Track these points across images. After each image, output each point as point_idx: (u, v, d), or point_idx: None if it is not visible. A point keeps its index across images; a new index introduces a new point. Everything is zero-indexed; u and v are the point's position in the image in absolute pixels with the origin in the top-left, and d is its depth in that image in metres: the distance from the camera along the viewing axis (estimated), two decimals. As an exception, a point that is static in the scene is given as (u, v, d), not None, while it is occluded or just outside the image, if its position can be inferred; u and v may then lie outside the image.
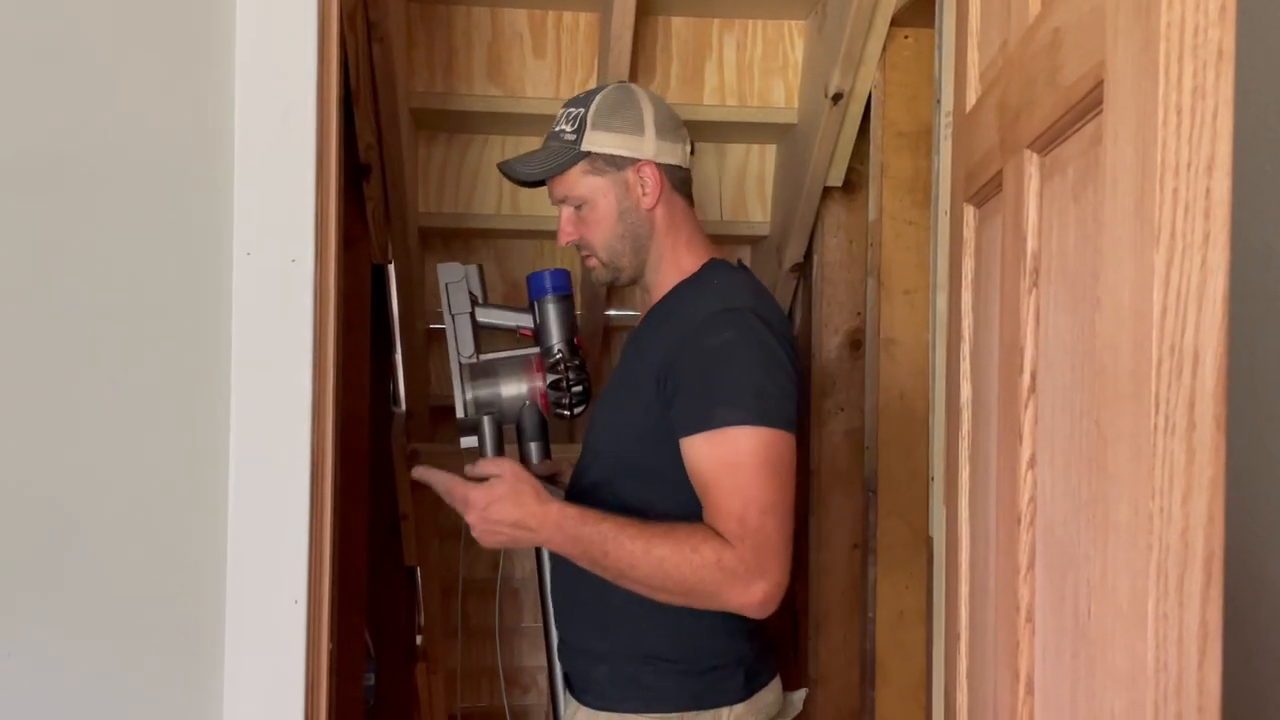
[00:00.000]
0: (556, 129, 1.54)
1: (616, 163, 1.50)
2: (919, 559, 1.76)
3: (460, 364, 1.71)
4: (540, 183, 1.55)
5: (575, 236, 1.54)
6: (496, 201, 2.12)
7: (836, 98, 1.82)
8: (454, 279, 1.72)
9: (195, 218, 1.10)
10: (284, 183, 1.11)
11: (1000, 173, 0.94)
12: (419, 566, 2.90)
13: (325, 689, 1.17)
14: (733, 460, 1.33)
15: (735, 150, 2.14)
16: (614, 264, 1.53)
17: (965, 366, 1.13)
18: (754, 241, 2.25)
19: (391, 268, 2.13)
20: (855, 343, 2.11)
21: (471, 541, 1.89)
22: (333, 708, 1.21)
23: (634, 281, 1.56)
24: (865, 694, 1.90)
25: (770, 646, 1.62)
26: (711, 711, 1.48)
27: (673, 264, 1.53)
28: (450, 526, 2.80)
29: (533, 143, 2.13)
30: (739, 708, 1.50)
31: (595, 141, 1.50)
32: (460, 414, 1.68)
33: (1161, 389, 0.52)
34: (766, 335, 1.40)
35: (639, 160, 1.50)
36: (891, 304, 1.78)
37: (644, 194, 1.51)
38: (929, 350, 1.78)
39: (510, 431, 1.74)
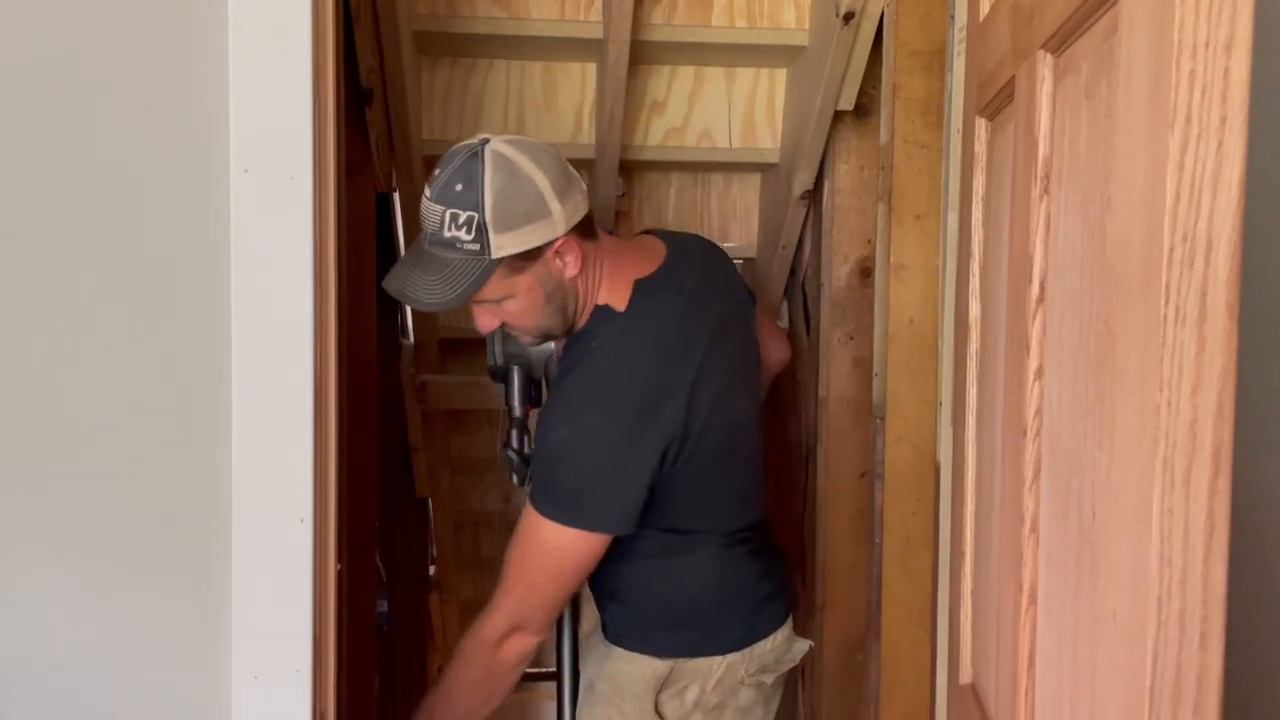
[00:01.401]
0: (448, 235, 1.34)
1: (532, 255, 1.37)
2: (926, 485, 1.76)
3: None
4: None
5: (497, 325, 1.46)
6: (501, 128, 2.09)
7: (848, 17, 1.77)
8: None
9: (190, 135, 1.08)
10: (280, 99, 1.08)
11: (1013, 79, 0.91)
12: (430, 498, 2.92)
13: (334, 608, 1.17)
14: (532, 537, 1.43)
15: (744, 75, 2.10)
16: (546, 334, 1.50)
17: (974, 284, 1.12)
18: (764, 169, 2.22)
19: (396, 196, 2.11)
20: (865, 271, 2.09)
21: (486, 472, 1.90)
22: (343, 628, 1.22)
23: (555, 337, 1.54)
24: (872, 617, 1.91)
25: (778, 594, 1.66)
26: (704, 660, 1.56)
27: (588, 308, 1.49)
28: (461, 459, 2.81)
29: (537, 70, 2.10)
30: (732, 657, 1.56)
31: (504, 245, 1.34)
32: (491, 363, 1.70)
33: (1173, 279, 0.51)
34: (602, 433, 1.40)
35: (554, 239, 1.37)
36: (903, 229, 1.76)
37: (565, 266, 1.41)
38: (939, 275, 1.76)
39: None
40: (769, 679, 1.61)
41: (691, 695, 1.56)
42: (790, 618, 1.67)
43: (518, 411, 1.66)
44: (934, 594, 1.66)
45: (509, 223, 1.34)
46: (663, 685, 1.56)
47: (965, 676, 1.14)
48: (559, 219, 1.37)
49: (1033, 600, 0.82)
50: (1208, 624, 0.51)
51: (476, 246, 1.34)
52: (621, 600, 1.59)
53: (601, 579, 1.58)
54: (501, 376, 1.68)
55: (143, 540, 1.09)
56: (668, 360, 1.46)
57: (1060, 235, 0.77)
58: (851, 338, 2.10)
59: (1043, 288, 0.80)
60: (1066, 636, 0.73)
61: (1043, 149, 0.80)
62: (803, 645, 1.67)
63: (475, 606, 3.75)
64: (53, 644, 1.08)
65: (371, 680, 2.10)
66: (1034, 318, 0.81)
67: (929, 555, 1.76)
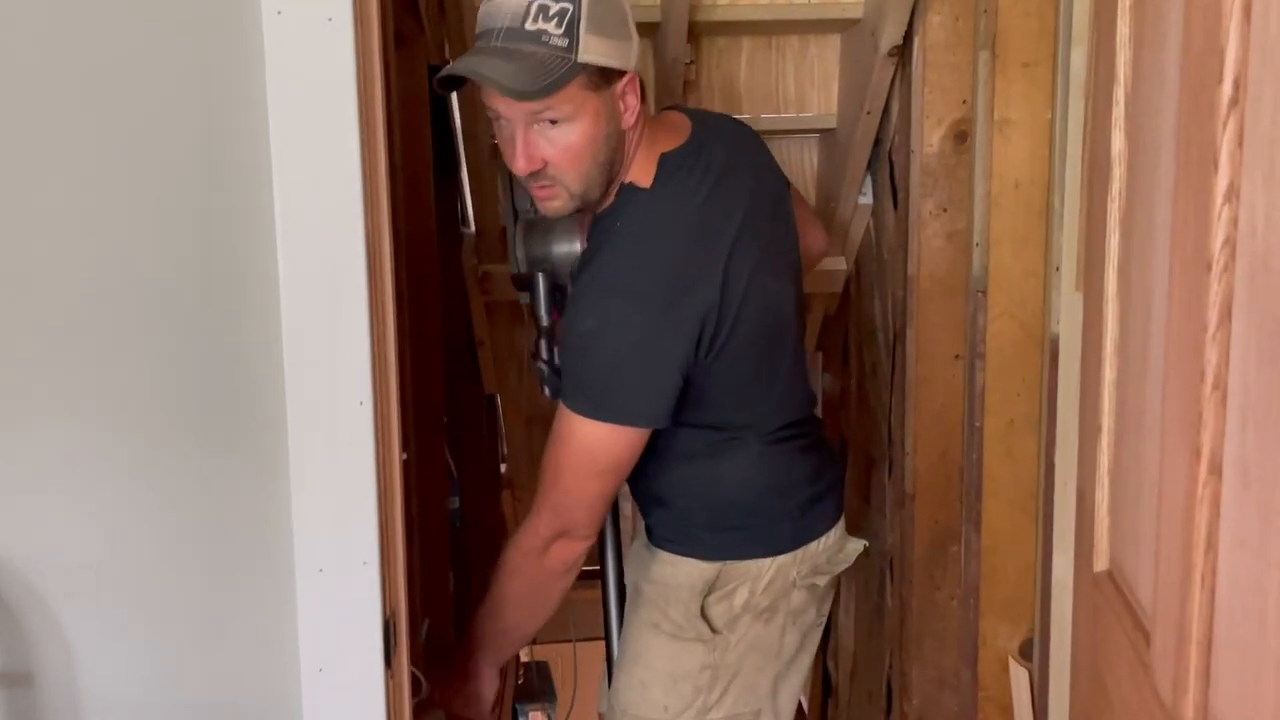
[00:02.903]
0: (531, 28, 1.23)
1: (607, 77, 1.27)
2: (1032, 364, 1.62)
3: (516, 218, 1.63)
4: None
5: (541, 164, 1.29)
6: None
7: None
8: None
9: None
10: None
11: None
12: (499, 394, 2.85)
13: (400, 499, 1.09)
14: (566, 436, 1.35)
15: (822, -79, 1.90)
16: (584, 196, 1.34)
17: (1118, 113, 0.96)
18: (845, 26, 2.03)
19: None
20: (960, 134, 1.91)
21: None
22: (412, 521, 1.14)
23: (585, 210, 1.41)
24: (970, 506, 1.79)
25: (828, 493, 1.57)
26: (753, 562, 1.48)
27: (616, 184, 1.38)
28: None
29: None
30: (781, 559, 1.49)
31: (591, 50, 1.23)
32: (514, 269, 1.63)
33: None
34: (639, 321, 1.31)
35: (625, 73, 1.28)
36: (1008, 79, 1.58)
37: (626, 111, 1.31)
38: (1050, 130, 1.59)
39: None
40: (822, 581, 1.53)
41: (740, 598, 1.49)
42: (842, 518, 1.58)
43: (544, 320, 1.56)
44: (1044, 479, 1.54)
45: (602, 26, 1.24)
46: (710, 588, 1.49)
47: (1101, 563, 1.01)
48: (633, 52, 1.28)
49: (1214, 470, 0.69)
50: None
51: (565, 43, 1.23)
52: (665, 503, 1.53)
53: (643, 482, 1.51)
54: (526, 284, 1.60)
55: (189, 426, 1.00)
56: (697, 241, 1.35)
57: (1271, 15, 0.61)
58: (944, 209, 1.94)
59: (1238, 86, 0.65)
60: (1273, 511, 0.60)
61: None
62: (856, 545, 1.59)
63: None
64: (106, 541, 1.01)
65: (447, 578, 2.05)
66: (1224, 125, 0.66)
67: (1035, 439, 1.63)
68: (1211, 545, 0.70)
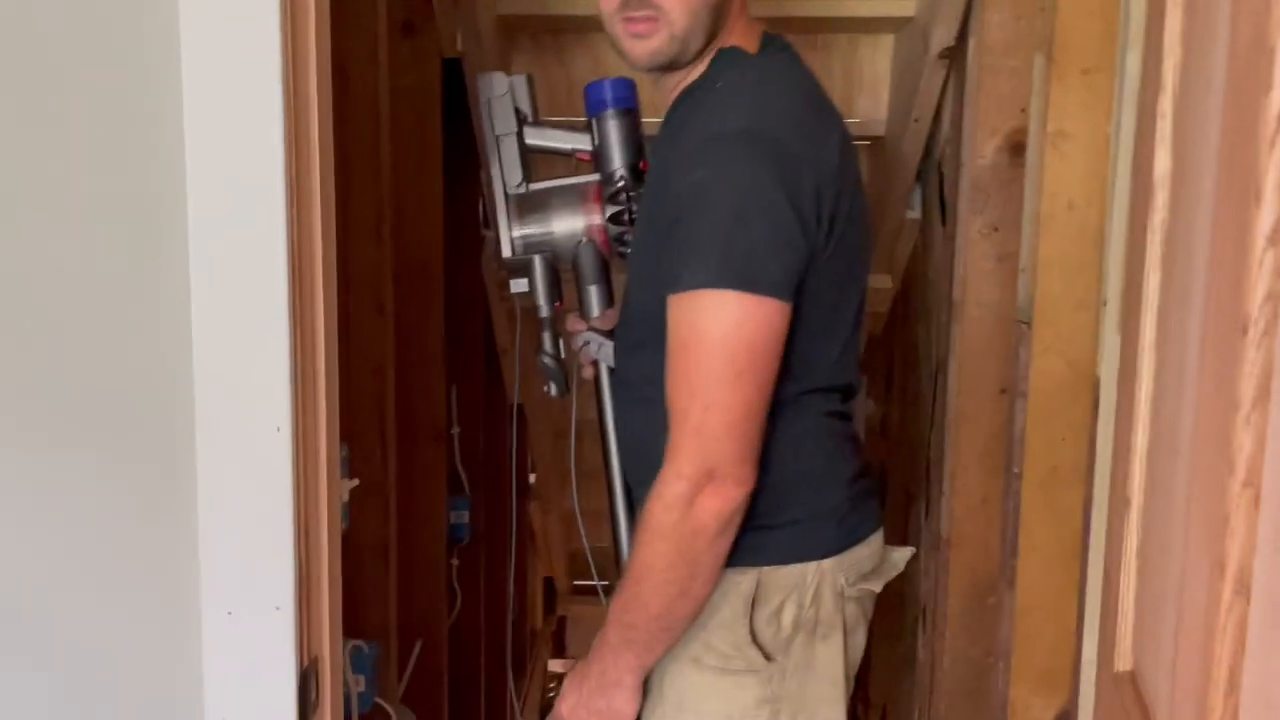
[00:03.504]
0: None
1: None
2: (1081, 407, 1.44)
3: (506, 195, 1.45)
4: None
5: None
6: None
7: None
8: (497, 93, 1.43)
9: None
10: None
11: None
12: (525, 405, 2.74)
13: (327, 533, 0.97)
14: (687, 335, 1.11)
15: (875, -88, 1.75)
16: (684, 42, 1.18)
17: (1164, 128, 0.80)
18: (898, 26, 1.87)
19: (465, 65, 1.87)
20: (1016, 147, 1.73)
21: (581, 384, 1.66)
22: (337, 547, 1.02)
23: (676, 69, 1.22)
24: (1005, 561, 1.62)
25: (872, 493, 1.36)
26: (796, 567, 1.25)
27: (712, 48, 1.22)
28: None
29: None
30: (827, 564, 1.26)
31: None
32: (507, 253, 1.44)
33: None
34: (755, 169, 1.11)
35: None
36: (1065, 87, 1.41)
37: None
38: (1109, 145, 1.41)
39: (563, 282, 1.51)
40: (877, 586, 1.32)
41: (789, 614, 1.25)
42: (882, 527, 1.38)
43: (545, 310, 1.41)
44: (1085, 539, 1.37)
45: None
46: (751, 604, 1.25)
47: (1123, 663, 0.85)
48: None
49: (1241, 591, 0.54)
50: None
51: None
52: None
53: (656, 464, 1.22)
54: (521, 269, 1.42)
55: (90, 441, 0.90)
56: (813, 112, 1.19)
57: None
58: (995, 229, 1.76)
59: (1291, 97, 0.50)
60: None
61: None
62: (904, 553, 1.38)
63: (578, 516, 3.56)
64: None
65: (441, 597, 1.94)
66: (1272, 145, 0.51)
67: (1080, 491, 1.45)
68: (1234, 686, 0.54)
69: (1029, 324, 1.49)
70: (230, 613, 0.92)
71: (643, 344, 1.24)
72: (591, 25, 1.98)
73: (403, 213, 1.62)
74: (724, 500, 1.13)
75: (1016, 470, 1.54)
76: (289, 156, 0.87)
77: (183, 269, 0.88)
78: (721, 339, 1.10)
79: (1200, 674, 0.58)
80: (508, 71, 1.93)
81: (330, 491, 0.98)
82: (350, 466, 1.38)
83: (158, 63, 0.86)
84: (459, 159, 1.93)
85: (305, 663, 0.95)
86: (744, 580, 1.23)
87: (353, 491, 1.43)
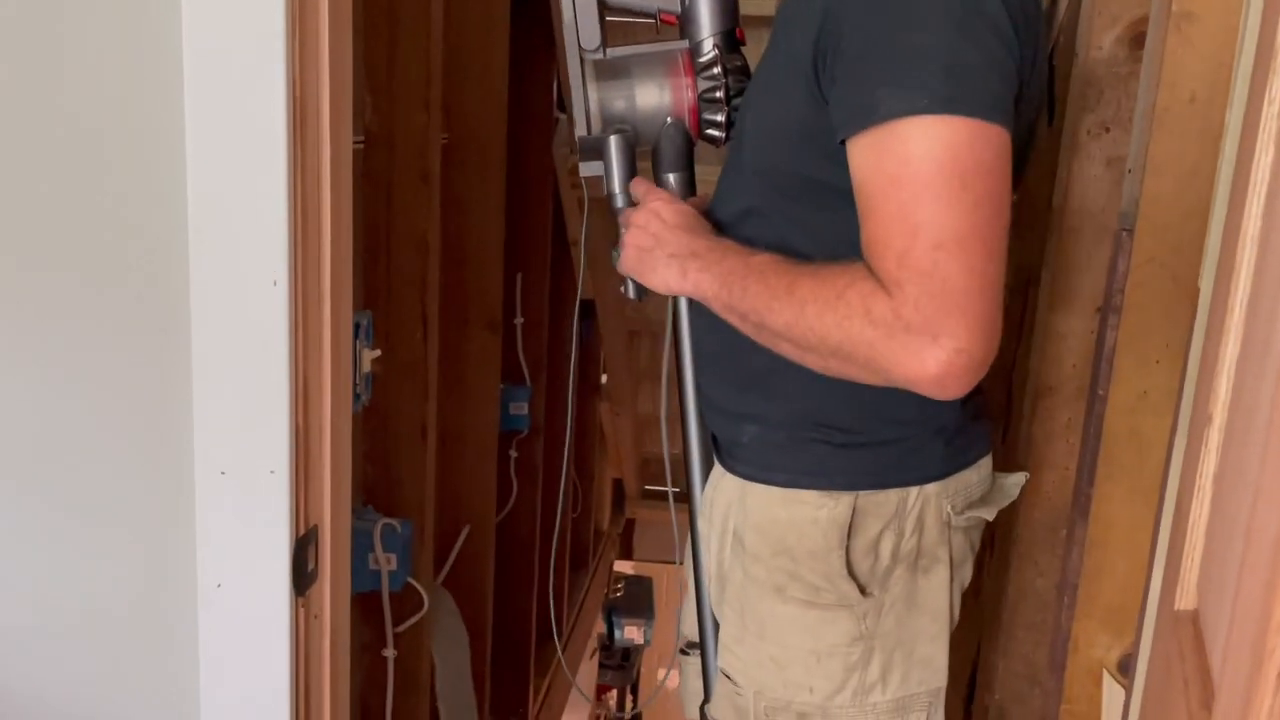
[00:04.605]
0: None
1: None
2: (1179, 325, 1.30)
3: (582, 60, 1.26)
4: None
5: None
6: None
7: None
8: None
9: None
10: None
11: None
12: (596, 300, 2.68)
13: (331, 398, 0.93)
14: (897, 171, 0.90)
15: None
16: None
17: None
18: (1014, -101, 1.69)
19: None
20: (1138, 39, 1.55)
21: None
22: (346, 413, 0.98)
23: None
24: (1080, 490, 1.50)
25: (984, 411, 1.22)
26: (895, 491, 1.10)
27: None
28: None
29: None
30: (930, 488, 1.12)
31: None
32: (582, 130, 1.25)
33: None
34: None
35: None
36: (1195, -38, 1.24)
37: None
38: (1241, 27, 1.24)
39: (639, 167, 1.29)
40: (989, 515, 1.20)
41: (887, 545, 1.12)
42: (991, 451, 1.24)
43: (620, 201, 1.22)
44: (1166, 467, 1.25)
45: None
46: (847, 533, 1.11)
47: (1186, 600, 0.75)
48: None
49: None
50: None
51: None
52: (772, 398, 1.13)
53: (741, 362, 1.13)
54: (596, 150, 1.23)
55: (83, 296, 0.86)
56: None
57: None
58: (1107, 129, 1.59)
59: None
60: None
61: None
62: (1018, 478, 1.25)
63: (653, 421, 3.57)
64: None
65: (491, 487, 1.91)
66: None
67: (1170, 420, 1.32)
68: (1298, 629, 0.44)
69: (1131, 231, 1.35)
70: (223, 472, 0.89)
71: (755, 212, 1.10)
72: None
73: (460, 82, 1.54)
74: (929, 369, 0.89)
75: (1102, 393, 1.41)
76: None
77: (177, 107, 0.83)
78: (948, 170, 0.88)
79: (1260, 614, 0.49)
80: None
81: (337, 353, 0.93)
82: (385, 345, 1.33)
83: None
84: (533, 30, 1.83)
85: (302, 530, 0.92)
86: (839, 505, 1.10)
87: (388, 368, 1.39)
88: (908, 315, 0.89)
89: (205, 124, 0.83)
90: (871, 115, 0.91)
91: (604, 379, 3.05)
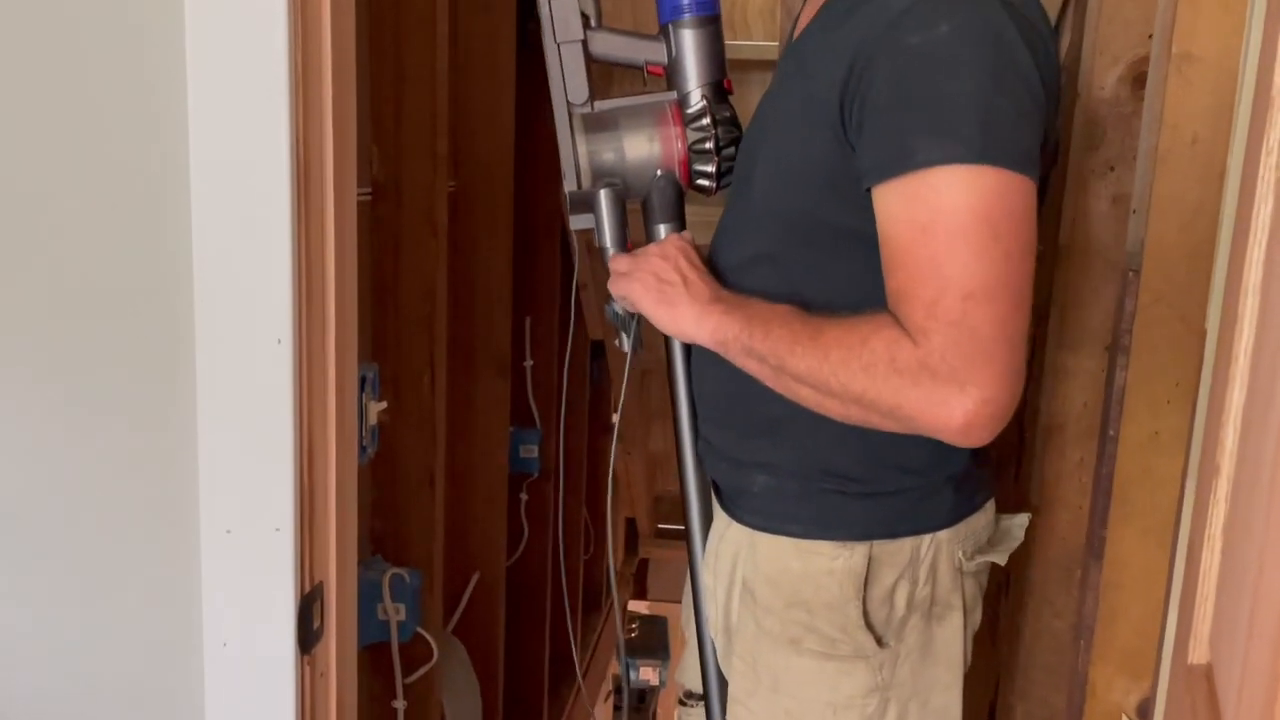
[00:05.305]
0: None
1: None
2: (1189, 365, 1.29)
3: (570, 113, 1.26)
4: None
5: None
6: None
7: None
8: None
9: None
10: None
11: None
12: (606, 340, 2.68)
13: (336, 454, 0.93)
14: (929, 220, 0.91)
15: None
16: None
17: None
18: (1013, -58, 1.70)
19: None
20: (1140, 78, 1.56)
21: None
22: (351, 469, 0.98)
23: None
24: (1094, 531, 1.49)
25: (986, 458, 1.21)
26: (908, 540, 1.10)
27: None
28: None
29: None
30: (942, 535, 1.11)
31: None
32: (571, 184, 1.24)
33: None
34: (1005, 26, 0.93)
35: None
36: (1194, 4, 1.24)
37: None
38: (1240, 69, 1.24)
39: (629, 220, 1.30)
40: (1000, 559, 1.19)
41: (902, 594, 1.11)
42: (994, 493, 1.24)
43: (612, 251, 1.21)
44: (1179, 510, 1.23)
45: None
46: (863, 583, 1.11)
47: (1199, 654, 0.74)
48: None
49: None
50: None
51: None
52: (784, 446, 1.12)
53: (752, 410, 1.12)
54: (586, 204, 1.23)
55: (91, 348, 0.87)
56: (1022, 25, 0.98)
57: None
58: (1111, 168, 1.60)
59: None
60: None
61: None
62: (1021, 520, 1.25)
63: (665, 459, 3.54)
64: None
65: (500, 530, 1.91)
66: None
67: (1182, 460, 1.31)
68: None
69: (1138, 271, 1.34)
70: (229, 531, 0.89)
71: (767, 258, 1.10)
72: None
73: (467, 130, 1.56)
74: (955, 419, 0.90)
75: (1113, 433, 1.40)
76: (294, 44, 0.81)
77: (183, 165, 0.84)
78: (980, 222, 0.88)
79: (1269, 676, 0.48)
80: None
81: (342, 409, 0.93)
82: (394, 394, 1.34)
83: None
84: (539, 73, 1.85)
85: (308, 587, 0.92)
86: (854, 555, 1.09)
87: (396, 417, 1.40)
88: (935, 364, 0.90)
89: (209, 183, 0.84)
90: (905, 163, 0.92)
91: (615, 418, 3.05)
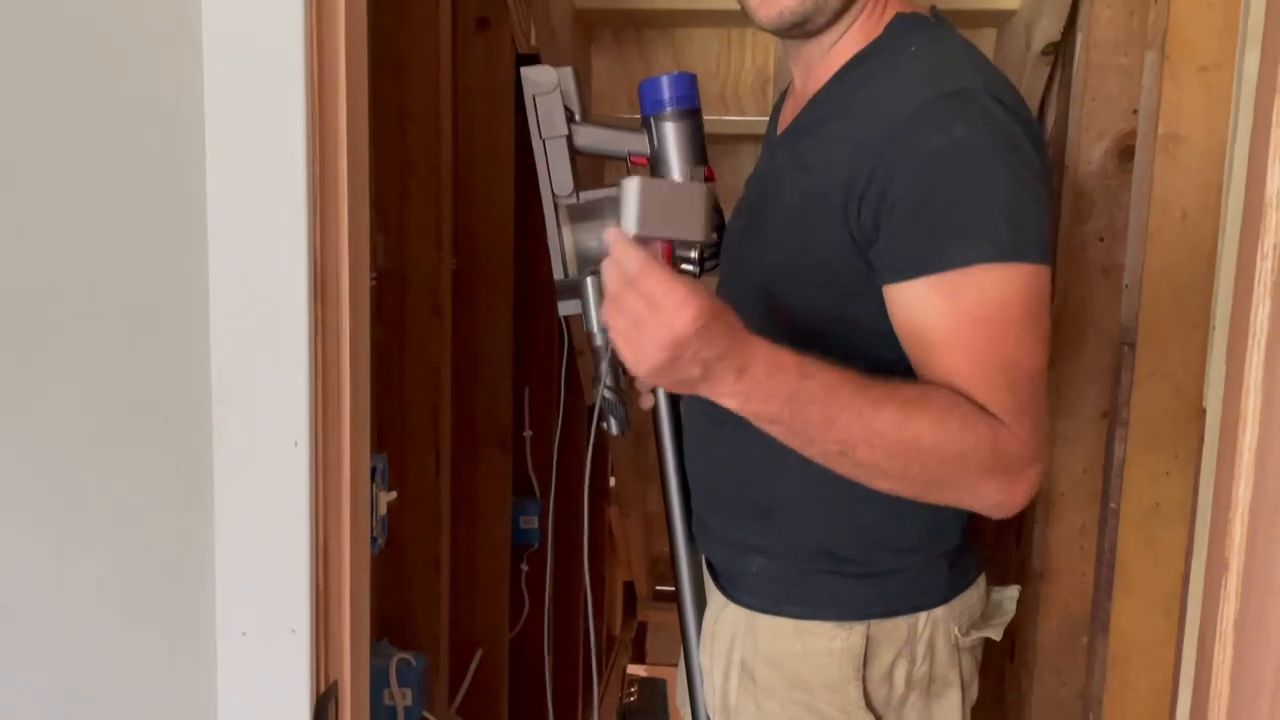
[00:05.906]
0: None
1: None
2: (1188, 438, 1.31)
3: (556, 205, 1.30)
4: None
5: None
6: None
7: None
8: (543, 89, 1.26)
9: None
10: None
11: None
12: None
13: (350, 553, 0.93)
14: (980, 313, 0.95)
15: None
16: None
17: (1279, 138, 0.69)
18: (999, 20, 1.75)
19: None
20: (1126, 151, 1.60)
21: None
22: (363, 565, 0.98)
23: (811, 33, 1.08)
24: (1099, 604, 1.49)
25: (976, 534, 1.23)
26: (905, 619, 1.12)
27: (865, 22, 1.08)
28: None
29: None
30: (938, 612, 1.13)
31: None
32: (559, 273, 1.28)
33: None
34: (1011, 125, 0.97)
35: None
36: (1179, 85, 1.28)
37: None
38: (1227, 150, 1.28)
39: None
40: (995, 634, 1.20)
41: (901, 673, 1.13)
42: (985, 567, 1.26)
43: (600, 338, 1.23)
44: (1185, 586, 1.24)
45: None
46: (862, 662, 1.13)
47: (1215, 747, 0.74)
48: None
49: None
50: None
51: None
52: (777, 530, 1.14)
53: (749, 492, 1.14)
54: (574, 291, 1.26)
55: (108, 455, 0.88)
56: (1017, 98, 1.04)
57: None
58: (1101, 239, 1.63)
59: None
60: None
61: None
62: (1011, 592, 1.26)
63: (662, 520, 3.54)
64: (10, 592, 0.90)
65: (503, 605, 1.90)
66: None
67: (1184, 531, 1.32)
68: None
69: (1133, 345, 1.37)
70: (245, 633, 0.89)
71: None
72: (676, 19, 1.91)
73: (471, 214, 1.58)
74: (1021, 494, 0.97)
75: (1113, 505, 1.42)
76: (312, 149, 0.83)
77: (201, 277, 0.85)
78: (1022, 303, 0.95)
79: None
80: (588, 70, 1.88)
81: (356, 507, 0.94)
82: (399, 476, 1.34)
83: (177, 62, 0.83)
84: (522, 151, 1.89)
85: (323, 686, 0.91)
86: (852, 635, 1.11)
87: (401, 500, 1.40)
88: (1026, 444, 0.95)
89: (228, 295, 0.85)
90: (939, 262, 0.96)
91: (612, 482, 3.05)
